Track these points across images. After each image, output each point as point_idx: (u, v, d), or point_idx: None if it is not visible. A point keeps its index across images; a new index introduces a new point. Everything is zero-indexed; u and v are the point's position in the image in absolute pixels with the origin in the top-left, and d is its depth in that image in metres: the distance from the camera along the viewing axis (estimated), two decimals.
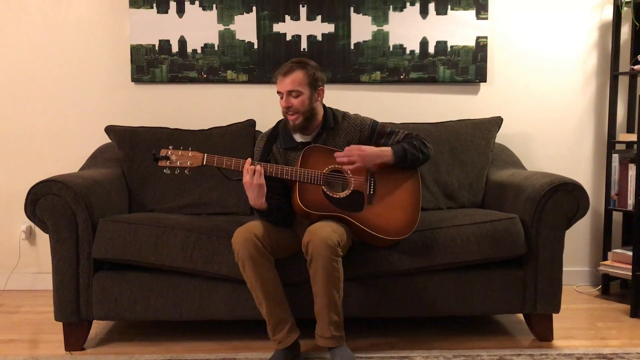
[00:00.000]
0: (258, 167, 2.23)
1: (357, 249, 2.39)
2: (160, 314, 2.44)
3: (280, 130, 2.47)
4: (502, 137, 3.18)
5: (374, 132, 2.46)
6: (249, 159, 2.26)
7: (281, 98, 2.37)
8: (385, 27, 3.27)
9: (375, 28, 3.27)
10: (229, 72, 3.27)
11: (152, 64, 3.25)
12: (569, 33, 3.37)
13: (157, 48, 3.24)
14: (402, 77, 3.30)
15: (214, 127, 3.04)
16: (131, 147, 2.91)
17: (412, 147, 2.40)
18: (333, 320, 2.22)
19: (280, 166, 2.30)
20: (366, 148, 2.33)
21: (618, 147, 3.28)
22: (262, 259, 2.20)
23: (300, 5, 3.24)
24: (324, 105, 2.46)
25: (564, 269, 2.50)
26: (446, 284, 2.46)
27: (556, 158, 3.38)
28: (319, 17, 3.25)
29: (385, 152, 2.36)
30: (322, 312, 2.21)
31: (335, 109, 2.50)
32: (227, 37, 3.25)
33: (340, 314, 2.24)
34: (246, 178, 2.22)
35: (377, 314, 2.50)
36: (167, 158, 2.25)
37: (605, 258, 3.22)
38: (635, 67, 3.15)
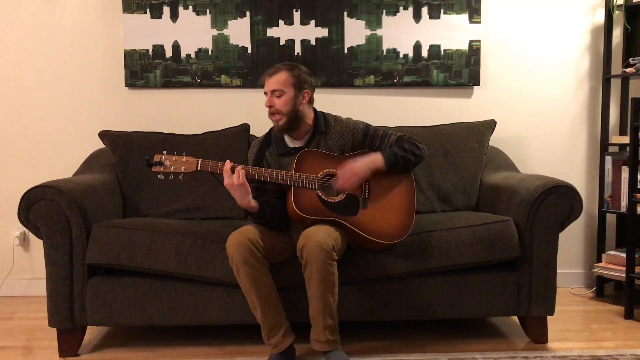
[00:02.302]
0: (238, 167, 2.22)
1: (352, 252, 2.39)
2: (155, 319, 2.43)
3: (273, 136, 2.47)
4: (496, 140, 3.19)
5: (367, 136, 2.46)
6: (228, 161, 2.25)
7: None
8: (378, 31, 3.28)
9: (368, 32, 3.28)
10: (222, 76, 3.27)
11: (145, 69, 3.25)
12: (562, 36, 3.39)
13: (150, 53, 3.24)
14: (395, 81, 3.31)
15: (208, 132, 3.04)
16: (125, 152, 2.91)
17: (403, 150, 2.40)
18: (328, 324, 2.22)
19: (275, 170, 2.30)
20: (355, 163, 2.32)
21: (611, 149, 3.30)
22: (256, 263, 2.20)
23: (294, 10, 3.25)
24: (314, 109, 2.46)
25: (558, 271, 2.51)
26: (441, 287, 2.46)
27: (550, 161, 3.39)
28: (312, 22, 3.26)
29: (375, 158, 2.36)
30: (317, 316, 2.21)
31: (327, 113, 2.50)
32: (220, 41, 3.25)
33: (335, 317, 2.24)
34: (225, 180, 2.21)
35: (372, 318, 2.50)
36: (161, 163, 2.25)
37: (599, 260, 3.23)
38: (627, 69, 3.17)
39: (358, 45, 3.29)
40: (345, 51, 3.28)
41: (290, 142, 2.44)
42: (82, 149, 3.12)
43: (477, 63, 3.32)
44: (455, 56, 3.31)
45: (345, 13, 3.27)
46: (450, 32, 3.29)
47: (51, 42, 3.26)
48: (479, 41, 3.31)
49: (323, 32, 3.27)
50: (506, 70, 3.38)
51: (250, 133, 3.03)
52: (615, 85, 3.35)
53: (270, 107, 2.36)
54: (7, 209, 3.23)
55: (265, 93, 2.38)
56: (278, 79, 2.35)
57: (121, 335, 2.69)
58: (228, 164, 2.23)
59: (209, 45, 3.25)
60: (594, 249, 3.35)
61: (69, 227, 2.39)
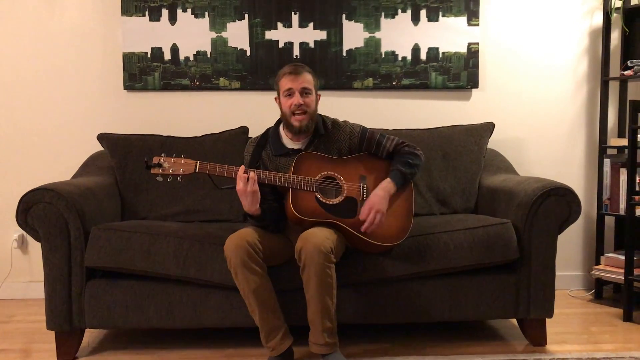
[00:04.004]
0: (252, 174, 2.23)
1: (351, 255, 2.39)
2: (153, 322, 2.43)
3: (270, 136, 2.47)
4: (495, 142, 3.19)
5: (364, 139, 2.47)
6: (242, 167, 2.26)
7: (289, 96, 2.37)
8: (377, 34, 3.29)
9: (367, 35, 3.29)
10: (221, 79, 3.27)
11: (144, 72, 3.25)
12: (560, 39, 3.39)
13: (149, 56, 3.24)
14: (394, 83, 3.32)
15: (206, 135, 3.04)
16: (124, 154, 2.90)
17: (407, 165, 2.40)
18: (326, 327, 2.21)
19: (274, 173, 2.30)
20: (375, 200, 2.30)
21: (609, 151, 3.30)
22: (254, 266, 2.20)
23: (292, 13, 3.26)
24: None
25: (557, 273, 2.51)
26: (439, 289, 2.46)
27: (548, 163, 3.39)
28: (311, 24, 3.26)
29: (388, 188, 2.35)
30: (316, 318, 2.21)
31: (325, 116, 2.51)
32: (219, 44, 3.26)
33: (334, 320, 2.24)
34: (239, 185, 2.22)
35: (370, 320, 2.49)
36: (159, 165, 2.25)
37: (598, 262, 3.23)
38: (625, 72, 3.17)
39: (356, 48, 3.29)
40: (344, 54, 3.29)
41: (288, 144, 2.44)
42: (80, 152, 3.12)
43: (476, 66, 3.32)
44: (454, 59, 3.32)
45: (344, 16, 3.27)
46: (448, 34, 3.30)
47: (50, 45, 3.26)
48: (478, 44, 3.32)
49: (322, 35, 3.27)
50: (504, 73, 3.39)
51: (249, 135, 3.02)
52: (614, 88, 3.35)
53: (300, 105, 2.34)
54: (5, 211, 3.22)
55: (288, 90, 2.36)
56: (307, 79, 2.38)
57: (119, 338, 2.69)
58: (243, 170, 2.23)
59: (207, 48, 3.26)
60: (593, 251, 3.35)
61: (67, 229, 2.38)
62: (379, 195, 2.32)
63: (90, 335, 2.68)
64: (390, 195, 2.35)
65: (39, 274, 2.52)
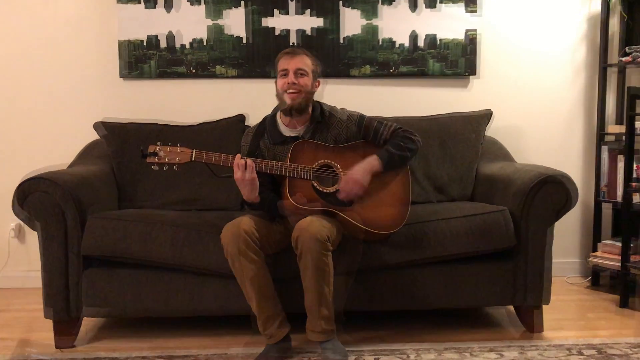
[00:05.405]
0: (249, 161, 2.22)
1: (348, 243, 2.38)
2: (151, 310, 2.43)
3: (267, 125, 2.46)
4: (492, 130, 3.18)
5: (362, 127, 2.46)
6: (239, 155, 2.25)
7: (284, 76, 2.36)
8: (374, 21, 3.27)
9: (364, 22, 3.27)
10: (218, 67, 3.26)
11: (140, 60, 3.23)
12: (559, 25, 3.37)
13: (145, 43, 3.22)
14: (392, 70, 3.30)
15: (203, 123, 3.03)
16: (120, 143, 2.90)
17: (398, 148, 2.39)
18: (323, 315, 2.22)
19: (270, 161, 2.30)
20: (355, 173, 2.30)
21: (607, 138, 3.29)
22: (251, 254, 2.20)
23: (289, 0, 3.23)
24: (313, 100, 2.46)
25: (554, 260, 2.51)
26: (436, 276, 2.47)
27: (546, 150, 3.39)
28: (308, 11, 3.24)
29: (373, 163, 2.34)
30: (313, 306, 2.22)
31: (323, 103, 2.50)
32: (216, 31, 3.24)
33: (331, 308, 2.24)
34: (237, 174, 2.21)
35: (367, 308, 2.50)
36: (155, 154, 2.24)
37: (595, 249, 3.24)
38: (624, 59, 3.16)
39: (354, 35, 3.27)
40: (341, 41, 3.27)
41: (286, 131, 2.43)
42: (77, 141, 3.10)
43: (474, 53, 3.31)
44: (452, 46, 3.30)
45: (341, 2, 3.25)
46: (446, 21, 3.28)
47: (45, 34, 3.23)
48: (476, 31, 3.30)
49: (319, 22, 3.25)
50: (502, 60, 3.37)
51: (246, 123, 3.02)
52: (612, 75, 3.34)
53: (292, 84, 2.33)
54: (1, 201, 3.20)
55: (283, 71, 2.36)
56: (304, 60, 2.37)
57: (117, 327, 2.69)
58: (239, 158, 2.22)
59: (203, 35, 3.23)
60: (590, 238, 3.36)
61: (63, 218, 2.38)
62: (362, 168, 2.32)
63: (88, 324, 2.68)
64: (374, 171, 2.33)
65: (37, 263, 2.52)
